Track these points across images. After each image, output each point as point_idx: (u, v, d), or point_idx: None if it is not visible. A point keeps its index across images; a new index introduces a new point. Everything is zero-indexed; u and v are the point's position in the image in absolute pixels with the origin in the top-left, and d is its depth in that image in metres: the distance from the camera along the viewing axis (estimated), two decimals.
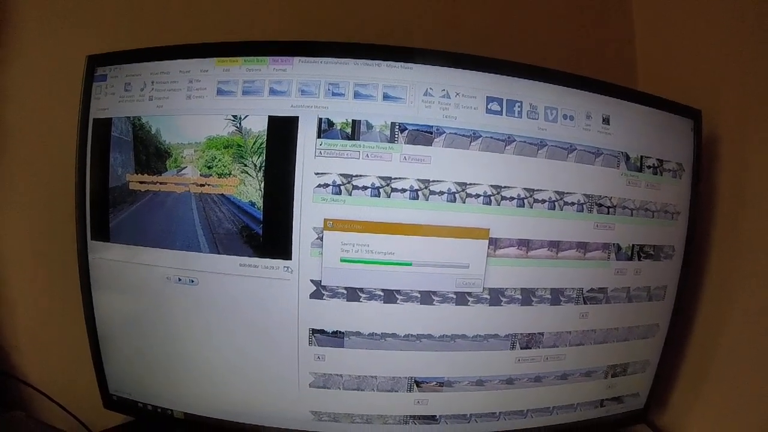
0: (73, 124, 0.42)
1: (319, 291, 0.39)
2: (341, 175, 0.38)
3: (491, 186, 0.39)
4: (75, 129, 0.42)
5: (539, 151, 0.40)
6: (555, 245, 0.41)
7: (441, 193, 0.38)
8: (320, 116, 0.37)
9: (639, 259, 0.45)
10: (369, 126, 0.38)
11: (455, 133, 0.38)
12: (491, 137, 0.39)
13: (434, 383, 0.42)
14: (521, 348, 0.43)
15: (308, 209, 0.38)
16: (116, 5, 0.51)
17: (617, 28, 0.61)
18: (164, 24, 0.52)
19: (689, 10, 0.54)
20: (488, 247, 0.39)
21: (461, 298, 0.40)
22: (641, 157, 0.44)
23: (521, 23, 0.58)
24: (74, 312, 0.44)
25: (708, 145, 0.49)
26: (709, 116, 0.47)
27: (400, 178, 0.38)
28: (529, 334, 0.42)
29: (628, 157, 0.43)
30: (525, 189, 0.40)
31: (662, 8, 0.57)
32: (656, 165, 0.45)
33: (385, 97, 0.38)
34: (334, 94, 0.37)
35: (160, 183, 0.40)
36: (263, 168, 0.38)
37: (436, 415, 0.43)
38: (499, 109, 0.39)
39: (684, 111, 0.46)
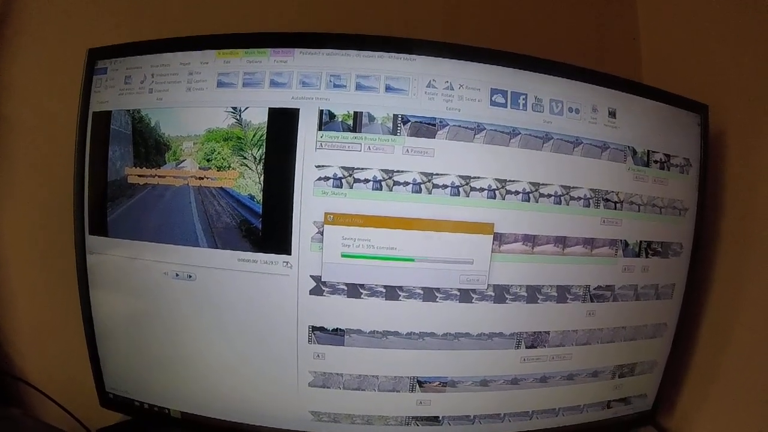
0: (73, 117, 0.40)
1: (319, 287, 0.37)
2: (342, 167, 0.36)
3: (496, 179, 0.37)
4: (75, 122, 0.40)
5: (545, 145, 0.38)
6: (561, 241, 0.39)
7: (444, 186, 0.36)
8: (321, 108, 0.36)
9: (647, 256, 0.43)
10: (371, 118, 0.36)
11: (459, 126, 0.36)
12: (496, 130, 0.37)
13: (437, 383, 0.40)
14: (526, 347, 0.40)
15: (308, 203, 0.36)
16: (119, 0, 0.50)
17: (621, 22, 0.59)
18: (165, 16, 0.50)
19: (694, 3, 0.52)
20: (493, 243, 0.37)
21: (465, 295, 0.38)
22: (648, 151, 0.42)
23: (524, 16, 0.57)
24: (73, 308, 0.43)
25: (715, 139, 0.47)
26: (715, 111, 0.45)
27: (402, 171, 0.36)
28: (534, 332, 0.40)
29: (635, 152, 0.41)
30: (530, 183, 0.38)
31: (666, 3, 0.56)
32: (663, 160, 0.43)
33: (388, 88, 0.36)
34: (335, 86, 0.36)
35: (159, 176, 0.38)
36: (263, 160, 0.36)
37: (438, 416, 0.41)
38: (504, 101, 0.37)
39: (691, 105, 0.44)
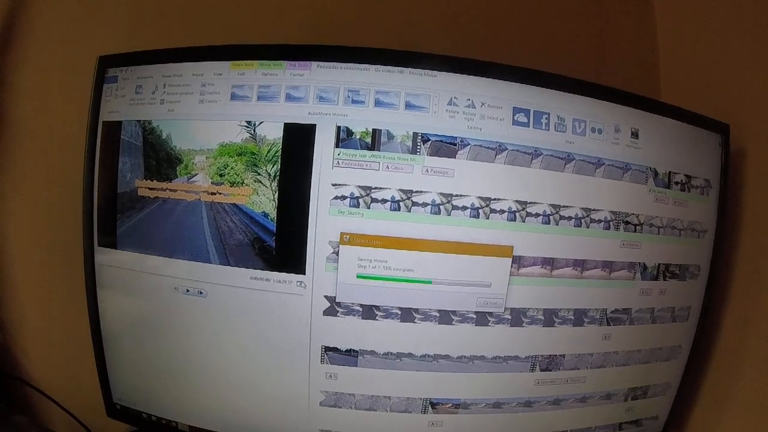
0: (83, 123, 0.39)
1: (334, 308, 0.35)
2: (360, 187, 0.34)
3: (516, 201, 0.35)
4: (85, 129, 0.39)
5: (566, 166, 0.36)
6: (580, 264, 0.37)
7: (464, 208, 0.35)
8: (339, 124, 0.34)
9: (664, 279, 0.41)
10: (390, 136, 0.34)
11: (480, 145, 0.35)
12: (517, 150, 0.35)
13: (450, 405, 0.38)
14: (541, 370, 0.39)
15: (324, 222, 0.34)
16: (129, 6, 0.47)
17: (639, 40, 0.56)
18: (178, 25, 0.48)
19: (714, 20, 0.50)
20: (511, 266, 0.36)
21: (481, 318, 0.36)
22: (669, 172, 0.40)
23: (542, 34, 0.54)
24: (83, 316, 0.41)
25: (735, 160, 0.45)
26: (736, 131, 0.43)
27: (421, 192, 0.34)
28: (550, 355, 0.39)
29: (656, 173, 0.39)
30: (551, 205, 0.36)
31: (686, 19, 0.53)
32: (684, 181, 0.41)
33: (408, 105, 0.34)
34: (353, 102, 0.34)
35: (170, 190, 0.36)
36: (278, 177, 0.34)
37: None
38: (526, 120, 0.35)
39: (712, 125, 0.42)
